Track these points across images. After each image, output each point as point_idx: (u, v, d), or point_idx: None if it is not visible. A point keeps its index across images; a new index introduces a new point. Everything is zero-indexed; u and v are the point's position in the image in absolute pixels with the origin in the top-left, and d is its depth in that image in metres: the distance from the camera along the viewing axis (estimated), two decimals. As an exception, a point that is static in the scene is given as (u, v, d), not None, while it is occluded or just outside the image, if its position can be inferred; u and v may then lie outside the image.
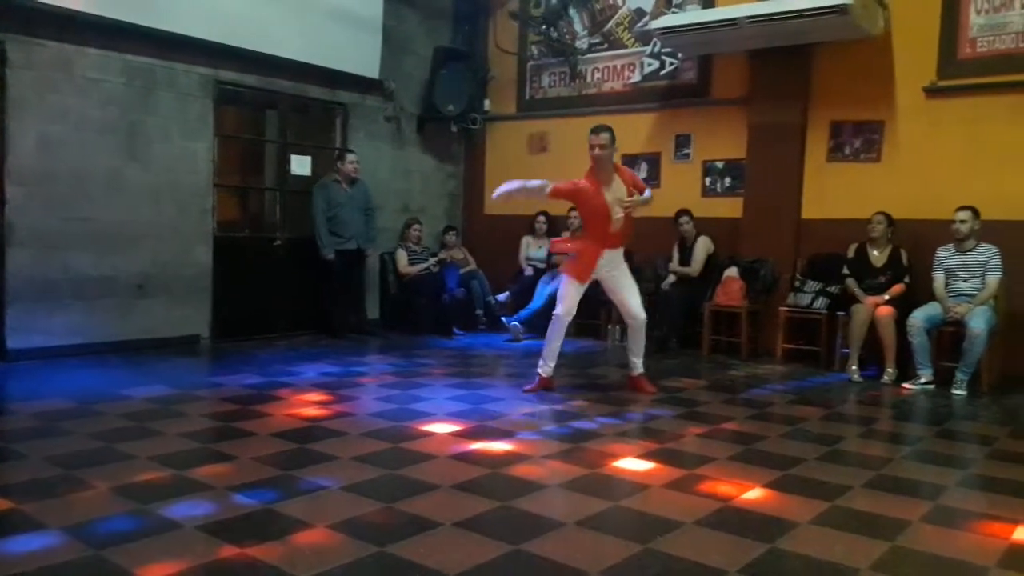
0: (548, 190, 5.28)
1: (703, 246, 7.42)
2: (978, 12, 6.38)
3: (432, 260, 8.24)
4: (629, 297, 5.41)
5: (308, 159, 7.78)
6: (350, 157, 7.58)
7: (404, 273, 8.14)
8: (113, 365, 5.89)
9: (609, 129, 5.21)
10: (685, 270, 7.42)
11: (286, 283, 7.54)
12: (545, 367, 5.44)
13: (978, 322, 5.60)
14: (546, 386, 5.43)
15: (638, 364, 5.54)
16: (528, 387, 5.42)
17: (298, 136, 7.86)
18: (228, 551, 2.69)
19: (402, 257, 8.18)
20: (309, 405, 4.84)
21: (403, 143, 8.69)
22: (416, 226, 8.33)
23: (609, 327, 7.91)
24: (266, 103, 7.70)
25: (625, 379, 5.67)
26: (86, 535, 2.78)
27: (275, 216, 7.74)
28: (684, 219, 7.43)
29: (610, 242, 5.30)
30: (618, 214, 5.21)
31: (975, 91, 6.36)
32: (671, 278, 7.48)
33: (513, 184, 5.38)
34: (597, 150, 5.14)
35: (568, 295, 5.35)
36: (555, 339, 5.39)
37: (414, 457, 3.81)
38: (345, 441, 4.07)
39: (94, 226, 6.25)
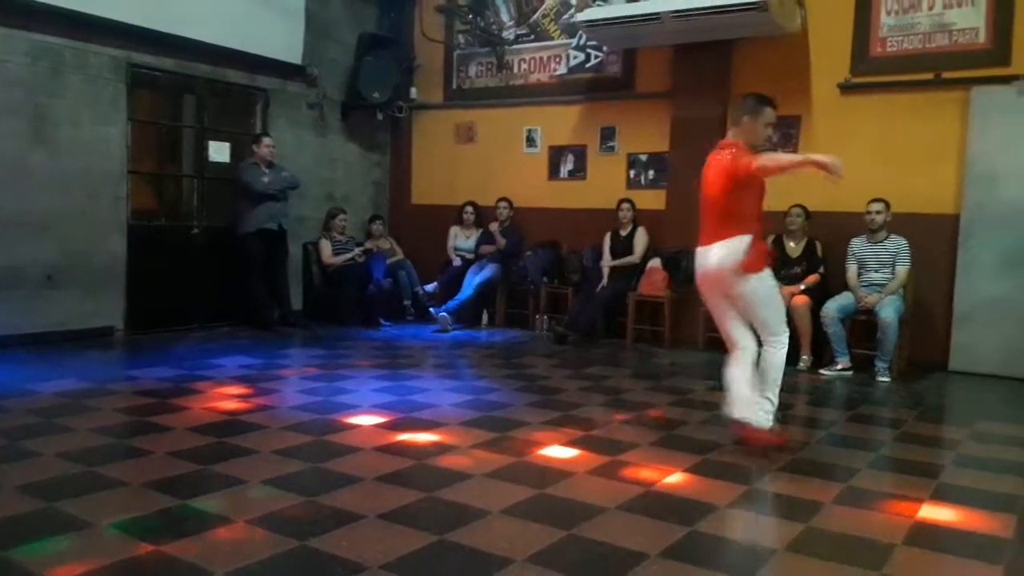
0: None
1: (644, 235, 7.49)
2: (888, 13, 6.62)
3: (357, 250, 8.12)
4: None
5: (227, 145, 7.56)
6: (266, 140, 7.40)
7: (328, 263, 8.00)
8: (21, 359, 5.61)
9: None
10: (628, 260, 7.46)
11: (205, 273, 7.32)
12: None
13: (888, 311, 5.84)
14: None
15: (768, 411, 3.89)
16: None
17: (217, 122, 7.62)
18: (143, 549, 2.60)
19: (326, 247, 8.03)
20: (228, 399, 4.71)
21: (326, 130, 8.53)
22: (341, 216, 8.20)
23: (537, 316, 7.96)
24: (183, 87, 7.45)
25: (737, 432, 4.00)
26: (-12, 537, 2.65)
27: (193, 204, 7.50)
28: (624, 206, 7.49)
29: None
30: None
31: (885, 88, 6.61)
32: (605, 280, 7.41)
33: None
34: (768, 136, 4.10)
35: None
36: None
37: (337, 450, 3.75)
38: (266, 435, 3.98)
39: (-3, 213, 5.95)
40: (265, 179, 7.26)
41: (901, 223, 6.18)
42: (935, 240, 6.29)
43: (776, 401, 3.91)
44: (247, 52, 7.46)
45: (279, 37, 7.74)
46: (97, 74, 6.51)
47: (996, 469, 3.77)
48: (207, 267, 7.34)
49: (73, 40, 6.32)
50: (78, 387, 4.84)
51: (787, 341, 3.94)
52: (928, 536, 2.92)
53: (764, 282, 3.91)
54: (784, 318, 3.98)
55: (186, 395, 4.75)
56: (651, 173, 7.75)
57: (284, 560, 2.58)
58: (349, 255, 8.03)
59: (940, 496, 3.36)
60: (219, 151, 7.50)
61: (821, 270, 6.45)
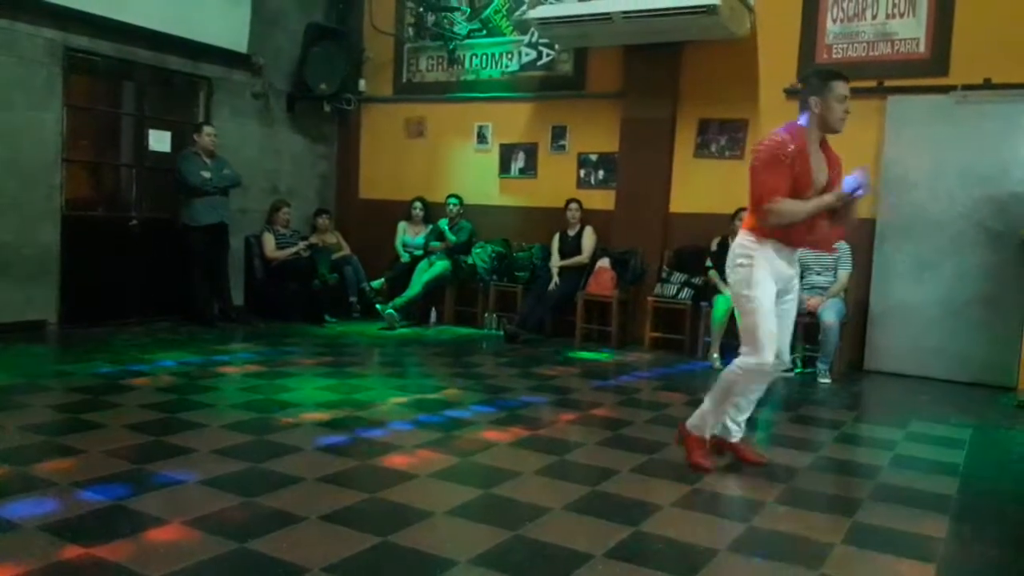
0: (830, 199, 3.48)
1: (592, 235, 7.51)
2: (834, 21, 6.76)
3: (302, 244, 7.98)
4: (784, 331, 3.62)
5: (168, 135, 7.35)
6: (207, 129, 7.21)
7: (271, 257, 7.84)
8: (-57, 353, 5.39)
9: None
10: (577, 260, 7.47)
11: (143, 265, 7.12)
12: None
13: (830, 314, 5.96)
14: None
15: (740, 425, 3.77)
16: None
17: (158, 110, 7.41)
18: (72, 552, 2.50)
19: (269, 240, 7.87)
20: (166, 395, 4.58)
21: (272, 121, 8.36)
22: (285, 208, 8.04)
23: (486, 314, 7.93)
24: (123, 74, 7.21)
25: (717, 445, 3.83)
26: (-97, 541, 2.52)
27: (131, 194, 7.28)
28: (573, 206, 7.50)
29: (800, 243, 3.64)
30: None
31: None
32: (556, 279, 7.41)
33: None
34: (845, 111, 3.55)
35: (769, 333, 3.51)
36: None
37: (279, 449, 3.67)
38: (204, 433, 3.88)
39: (-79, 200, 5.69)
40: (205, 173, 7.07)
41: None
42: (855, 244, 6.39)
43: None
44: (190, 39, 7.27)
45: (224, 25, 7.56)
46: (31, 57, 6.26)
47: (930, 469, 3.87)
48: (146, 260, 7.13)
49: (2, 19, 6.06)
50: (8, 383, 4.66)
51: (760, 362, 3.53)
52: (866, 535, 2.98)
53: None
54: (767, 340, 3.49)
55: (122, 392, 4.60)
56: (601, 173, 7.78)
57: (222, 563, 2.50)
58: (293, 249, 7.88)
59: (877, 496, 3.43)
60: (160, 140, 7.29)
61: (765, 272, 6.55)
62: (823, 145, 3.59)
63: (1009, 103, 6.09)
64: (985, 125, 6.15)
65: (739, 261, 3.52)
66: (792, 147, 3.40)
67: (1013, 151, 6.11)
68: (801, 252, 6.13)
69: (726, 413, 3.70)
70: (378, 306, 7.80)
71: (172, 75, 7.44)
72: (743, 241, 3.55)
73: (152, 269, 7.19)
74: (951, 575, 2.70)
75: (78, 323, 6.62)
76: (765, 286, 3.46)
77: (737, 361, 3.54)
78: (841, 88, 3.49)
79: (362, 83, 8.86)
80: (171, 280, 7.26)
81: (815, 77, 3.60)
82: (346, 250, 8.38)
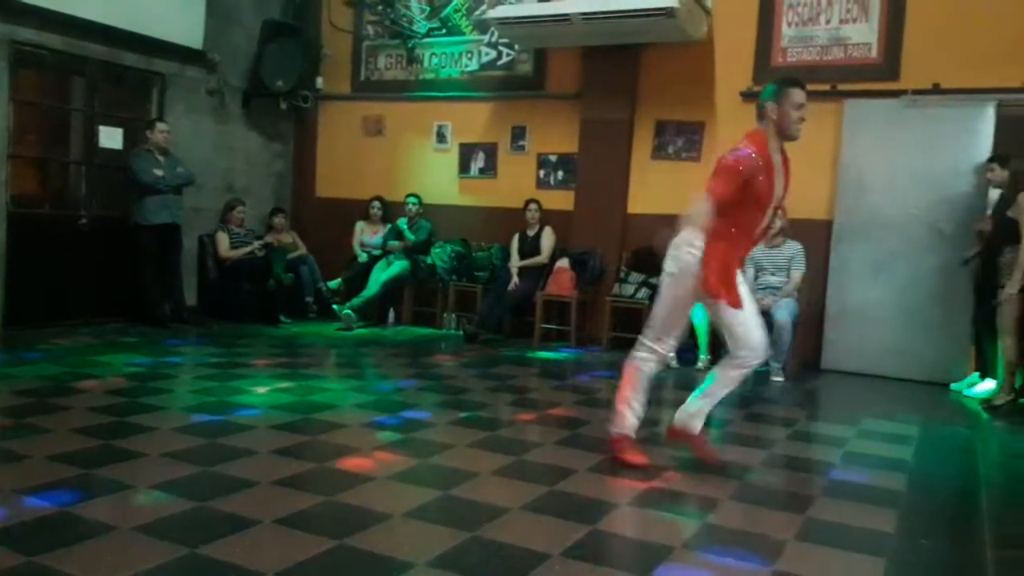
0: (707, 208, 3.36)
1: (551, 235, 7.53)
2: (789, 24, 6.87)
3: (257, 243, 7.86)
4: (754, 324, 3.61)
5: (120, 131, 7.18)
6: (160, 126, 7.07)
7: (225, 257, 7.71)
8: None
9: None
10: (536, 260, 7.47)
11: (93, 265, 6.94)
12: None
13: (783, 314, 6.05)
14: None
15: (700, 418, 3.78)
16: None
17: (109, 106, 7.23)
18: (13, 560, 2.43)
19: (223, 240, 7.74)
20: (115, 398, 4.47)
21: (227, 119, 8.23)
22: (239, 207, 7.92)
23: (445, 314, 7.90)
24: (73, 68, 7.02)
25: (669, 431, 3.95)
26: None
27: (81, 192, 7.09)
28: (532, 207, 7.51)
29: (753, 244, 3.78)
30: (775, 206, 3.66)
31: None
32: (516, 279, 7.40)
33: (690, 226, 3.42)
34: (801, 119, 3.56)
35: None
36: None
37: (232, 453, 3.60)
38: (154, 437, 3.79)
39: None
40: (158, 171, 6.92)
41: (795, 228, 6.42)
42: (810, 244, 6.52)
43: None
44: (144, 34, 7.10)
45: (178, 20, 7.41)
46: (-25, 50, 6.08)
47: (880, 466, 3.94)
48: (95, 259, 6.96)
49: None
50: (-53, 386, 4.51)
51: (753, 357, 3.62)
52: (818, 531, 3.03)
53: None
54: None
55: (69, 395, 4.48)
56: (560, 174, 7.80)
57: (173, 569, 2.45)
58: (248, 249, 7.77)
59: (829, 492, 3.49)
60: (111, 137, 7.12)
61: (721, 272, 6.63)
62: (782, 153, 3.63)
63: (957, 108, 6.25)
64: (935, 129, 6.30)
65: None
66: (760, 163, 3.45)
67: (963, 154, 6.25)
68: (756, 252, 6.33)
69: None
70: (335, 306, 7.72)
71: (124, 71, 7.27)
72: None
73: (102, 269, 7.01)
74: (900, 569, 2.76)
75: (23, 324, 6.43)
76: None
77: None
78: (797, 95, 3.52)
79: (319, 80, 8.77)
80: (122, 280, 7.09)
81: (772, 83, 3.64)
82: (302, 250, 8.27)
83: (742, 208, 3.45)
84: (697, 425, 3.77)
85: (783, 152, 3.64)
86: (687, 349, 6.49)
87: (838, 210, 6.64)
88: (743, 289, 3.58)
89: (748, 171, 3.41)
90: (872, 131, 6.51)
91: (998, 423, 5.10)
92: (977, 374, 5.95)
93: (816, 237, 6.60)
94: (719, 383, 3.68)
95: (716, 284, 3.39)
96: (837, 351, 6.62)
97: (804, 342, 6.55)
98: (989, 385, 5.71)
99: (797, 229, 6.45)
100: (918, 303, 6.35)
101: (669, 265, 3.58)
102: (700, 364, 6.39)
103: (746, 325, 3.54)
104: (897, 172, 6.46)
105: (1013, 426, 5.01)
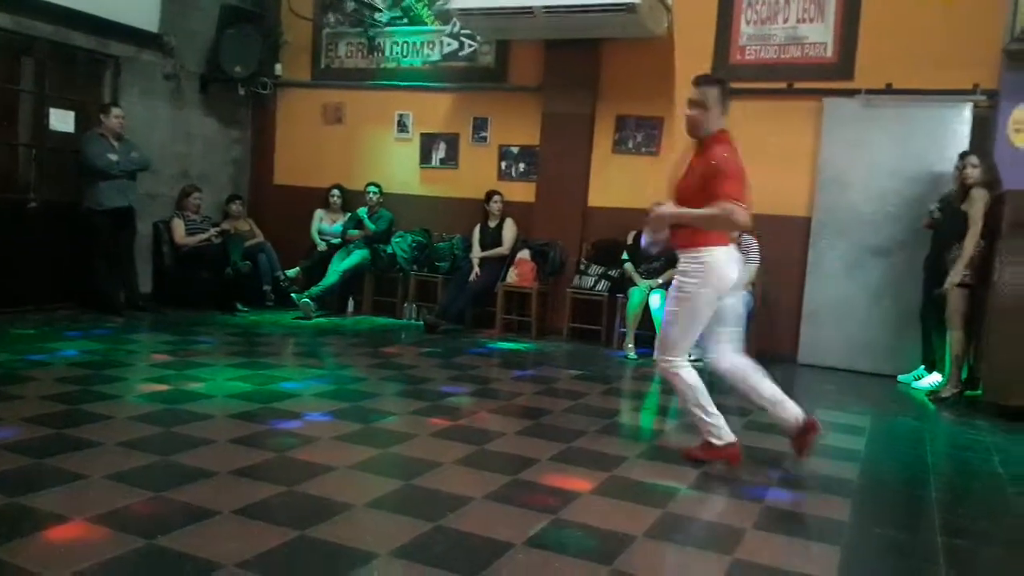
0: (743, 215, 3.58)
1: (512, 226, 7.53)
2: (747, 23, 6.96)
3: (213, 230, 7.73)
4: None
5: (71, 114, 6.99)
6: (115, 111, 6.90)
7: (181, 244, 7.56)
8: None
9: (711, 82, 3.71)
10: (498, 251, 7.47)
11: (42, 250, 6.75)
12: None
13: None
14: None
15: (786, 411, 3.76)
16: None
17: (60, 89, 7.03)
18: (-36, 553, 2.36)
19: (179, 226, 7.59)
20: (68, 386, 4.36)
21: (183, 104, 8.06)
22: (196, 194, 7.77)
23: (405, 304, 7.86)
24: (21, 48, 6.81)
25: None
26: None
27: (30, 175, 6.89)
28: (496, 198, 7.50)
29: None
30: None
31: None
32: (477, 270, 7.40)
33: (688, 214, 3.58)
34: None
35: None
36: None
37: (189, 442, 3.55)
38: (109, 426, 3.72)
39: None
40: (112, 156, 6.76)
41: (757, 223, 6.50)
42: (789, 241, 6.69)
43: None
44: (96, 16, 6.91)
45: (134, 2, 7.24)
46: (-82, 26, 5.86)
47: (833, 456, 4.04)
48: (45, 244, 6.77)
49: None
50: None
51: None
52: (775, 520, 3.09)
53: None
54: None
55: (19, 382, 4.37)
56: (521, 166, 7.81)
57: (129, 560, 2.40)
58: (204, 236, 7.63)
59: (785, 483, 3.57)
60: (62, 120, 6.93)
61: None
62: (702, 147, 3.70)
63: (908, 107, 6.39)
64: (910, 127, 6.39)
65: None
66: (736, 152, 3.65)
67: (917, 151, 6.38)
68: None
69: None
70: (293, 295, 7.63)
71: (76, 52, 7.07)
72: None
73: (53, 254, 6.83)
74: (855, 556, 2.83)
75: (-31, 311, 6.25)
76: None
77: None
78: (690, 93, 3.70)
79: (279, 67, 8.64)
80: (73, 265, 6.92)
81: (726, 83, 3.79)
82: (260, 237, 8.15)
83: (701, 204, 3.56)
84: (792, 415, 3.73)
85: (701, 149, 3.71)
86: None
87: (816, 207, 6.71)
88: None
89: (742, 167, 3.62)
90: (851, 130, 6.56)
91: (945, 415, 5.25)
92: (923, 367, 6.11)
93: (794, 234, 6.71)
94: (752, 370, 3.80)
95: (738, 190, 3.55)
96: (814, 346, 6.70)
97: (781, 336, 6.69)
98: (936, 378, 5.88)
99: (774, 225, 6.53)
100: (891, 299, 6.44)
101: (685, 284, 3.59)
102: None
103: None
104: (873, 170, 6.52)
105: (960, 418, 5.17)
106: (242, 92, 8.35)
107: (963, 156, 5.77)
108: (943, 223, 5.81)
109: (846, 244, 6.64)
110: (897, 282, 6.46)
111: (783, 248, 6.70)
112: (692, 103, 3.64)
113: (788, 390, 5.60)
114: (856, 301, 6.60)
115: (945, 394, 5.54)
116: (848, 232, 6.63)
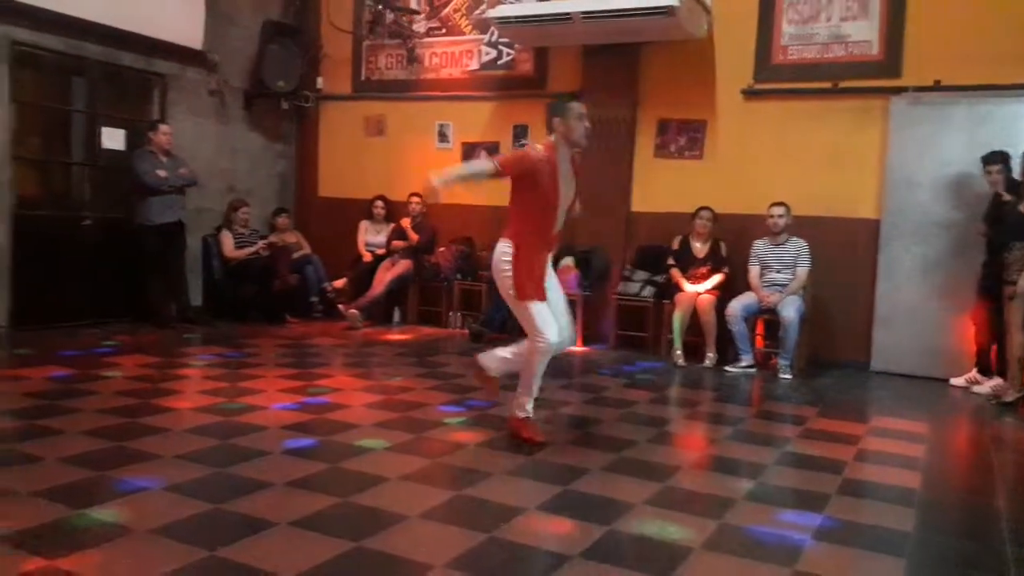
0: (492, 167, 3.93)
1: None
2: (789, 22, 6.87)
3: (261, 243, 7.85)
4: (561, 316, 4.08)
5: (122, 132, 7.17)
6: (163, 128, 7.06)
7: (230, 257, 7.69)
8: None
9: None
10: None
11: (97, 266, 6.93)
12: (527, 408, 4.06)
13: (789, 311, 6.05)
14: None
15: (497, 368, 4.14)
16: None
17: (110, 107, 7.21)
18: (33, 564, 2.42)
19: (228, 240, 7.72)
20: (125, 399, 4.45)
21: (228, 119, 8.21)
22: (243, 208, 7.90)
23: (451, 314, 7.89)
24: (72, 69, 7.00)
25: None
26: None
27: (84, 193, 7.07)
28: None
29: (552, 243, 4.15)
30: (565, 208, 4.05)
31: (786, 95, 6.85)
32: None
33: (453, 171, 4.13)
34: (584, 127, 3.97)
35: (544, 318, 3.90)
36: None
37: (245, 454, 3.59)
38: (167, 438, 3.78)
39: None
40: (161, 172, 6.92)
41: (800, 225, 6.41)
42: (856, 243, 6.54)
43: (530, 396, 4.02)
44: (143, 35, 7.10)
45: (178, 20, 7.41)
46: (-24, 51, 6.05)
47: (894, 463, 3.94)
48: (100, 260, 6.96)
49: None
50: (-45, 389, 4.49)
51: (545, 343, 3.86)
52: (836, 531, 3.02)
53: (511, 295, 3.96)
54: (544, 324, 3.86)
55: (79, 396, 4.47)
56: (562, 172, 7.77)
57: (191, 572, 2.44)
58: (252, 249, 7.75)
59: (845, 491, 3.48)
60: (113, 138, 7.11)
61: (725, 270, 6.64)
62: (573, 160, 4.02)
63: (953, 104, 6.22)
64: (981, 128, 6.12)
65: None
66: (547, 165, 3.86)
67: (968, 152, 6.12)
68: (762, 250, 6.34)
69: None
70: (340, 306, 7.70)
71: (124, 71, 7.26)
72: (502, 246, 4.07)
73: (106, 270, 7.00)
74: (921, 568, 2.75)
75: (29, 326, 6.41)
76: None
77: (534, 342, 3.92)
78: (577, 108, 3.95)
79: (320, 80, 8.76)
80: (126, 281, 7.08)
81: (552, 105, 4.11)
82: (306, 249, 8.26)
83: (536, 210, 3.92)
84: (492, 368, 4.11)
85: (574, 159, 4.03)
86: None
87: (887, 209, 6.48)
88: (550, 283, 4.05)
89: (533, 163, 3.85)
90: (921, 130, 6.34)
91: (1008, 419, 5.10)
92: (976, 370, 5.95)
93: (861, 236, 6.56)
94: (520, 357, 4.01)
95: (529, 290, 3.87)
96: (888, 352, 6.43)
97: (850, 341, 6.57)
98: (995, 382, 5.71)
99: (810, 226, 6.44)
100: (966, 303, 6.09)
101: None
102: (708, 361, 6.40)
103: (542, 315, 3.87)
104: (943, 171, 6.29)
105: (1023, 422, 5.02)
106: (285, 106, 8.49)
107: (984, 163, 5.73)
108: (1001, 224, 5.61)
109: (921, 247, 6.37)
110: (973, 286, 6.04)
111: (847, 250, 6.55)
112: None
113: (837, 394, 5.49)
114: (932, 307, 6.32)
115: (1009, 398, 5.37)
116: (921, 234, 6.37)
